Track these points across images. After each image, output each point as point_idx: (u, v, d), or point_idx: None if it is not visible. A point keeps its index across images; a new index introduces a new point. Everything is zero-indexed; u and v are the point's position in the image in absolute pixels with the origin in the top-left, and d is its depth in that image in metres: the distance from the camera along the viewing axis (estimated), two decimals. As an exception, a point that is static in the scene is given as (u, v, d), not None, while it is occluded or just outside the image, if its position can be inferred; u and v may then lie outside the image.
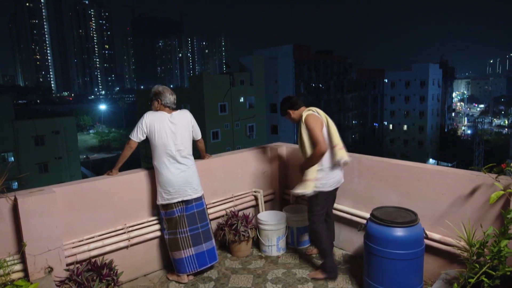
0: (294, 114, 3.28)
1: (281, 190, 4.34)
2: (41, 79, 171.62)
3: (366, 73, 51.11)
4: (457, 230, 2.65)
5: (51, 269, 2.76)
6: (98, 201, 3.10)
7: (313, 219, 3.21)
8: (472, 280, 2.07)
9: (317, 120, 3.10)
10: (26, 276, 2.69)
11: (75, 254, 2.94)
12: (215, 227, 3.80)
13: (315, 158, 3.04)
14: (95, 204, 3.09)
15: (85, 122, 79.84)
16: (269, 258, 3.70)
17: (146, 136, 3.16)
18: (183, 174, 3.18)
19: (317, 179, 3.10)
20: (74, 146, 33.69)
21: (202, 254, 3.31)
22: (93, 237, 3.07)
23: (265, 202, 4.19)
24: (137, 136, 3.14)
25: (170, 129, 3.14)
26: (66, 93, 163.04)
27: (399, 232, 2.71)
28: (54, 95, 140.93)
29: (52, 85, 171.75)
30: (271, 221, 3.74)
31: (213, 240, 3.42)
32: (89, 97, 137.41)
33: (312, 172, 3.09)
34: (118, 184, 3.23)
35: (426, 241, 2.85)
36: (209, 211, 3.72)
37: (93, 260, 2.92)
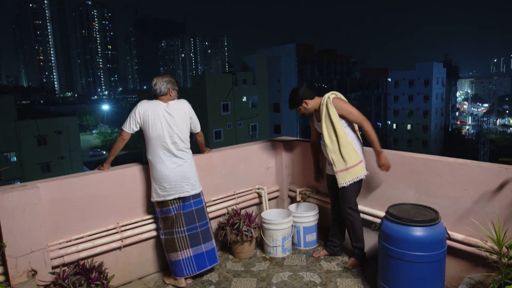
0: (310, 104, 3.12)
1: (287, 186, 4.07)
2: (44, 80, 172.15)
3: (369, 72, 50.77)
4: (484, 229, 2.38)
5: (34, 273, 2.51)
6: (88, 198, 2.85)
7: (356, 215, 3.10)
8: (510, 287, 1.80)
9: (345, 100, 3.09)
10: (7, 280, 2.45)
11: (62, 256, 2.70)
12: (216, 227, 3.55)
13: (373, 130, 2.92)
14: (84, 201, 2.84)
15: (88, 122, 79.99)
16: (273, 260, 3.44)
17: (140, 127, 2.91)
18: (180, 169, 2.92)
19: (361, 162, 3.00)
20: (77, 146, 33.60)
21: (201, 255, 3.05)
22: (82, 237, 2.82)
23: (269, 199, 3.93)
24: (129, 127, 2.89)
25: (166, 119, 2.89)
26: (69, 94, 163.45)
27: (418, 231, 2.44)
28: (57, 96, 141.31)
29: (56, 85, 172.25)
30: (276, 220, 3.48)
31: (213, 241, 3.16)
32: (92, 98, 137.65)
33: (355, 157, 3.00)
34: (110, 180, 2.97)
35: (448, 242, 2.58)
36: (209, 209, 3.47)
37: (81, 262, 2.67)
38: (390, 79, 52.78)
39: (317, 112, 3.17)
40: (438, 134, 51.37)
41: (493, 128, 75.39)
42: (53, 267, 2.62)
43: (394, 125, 52.87)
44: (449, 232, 2.61)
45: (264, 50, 40.66)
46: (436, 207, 2.65)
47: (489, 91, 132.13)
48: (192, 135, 3.19)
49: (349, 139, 3.01)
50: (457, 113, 74.82)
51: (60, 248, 2.70)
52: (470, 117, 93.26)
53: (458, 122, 78.41)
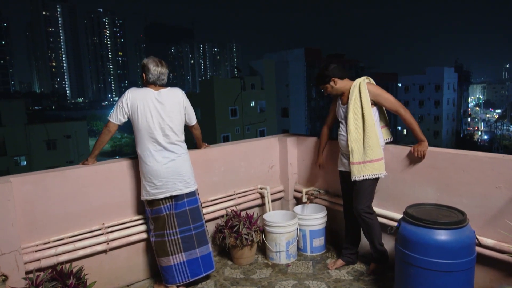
0: (338, 83, 2.78)
1: (292, 186, 3.75)
2: (56, 86, 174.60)
3: (378, 77, 50.25)
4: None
5: (5, 278, 2.24)
6: (69, 195, 2.58)
7: (371, 217, 2.75)
8: None
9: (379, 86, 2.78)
10: (-27, 286, 2.17)
11: (39, 259, 2.42)
12: (213, 229, 3.24)
13: (413, 117, 2.67)
14: (65, 199, 2.56)
15: (99, 127, 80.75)
16: (276, 267, 3.12)
17: (128, 118, 2.64)
18: (172, 164, 2.63)
19: (382, 160, 2.70)
20: (86, 150, 33.69)
21: (195, 261, 2.75)
22: (62, 239, 2.54)
23: (272, 200, 3.62)
24: (116, 117, 2.62)
25: (156, 109, 2.61)
26: (80, 99, 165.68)
27: (443, 235, 2.10)
28: (68, 101, 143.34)
29: (67, 91, 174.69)
30: (280, 223, 3.17)
31: (210, 245, 2.86)
32: (103, 103, 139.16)
33: (377, 152, 2.68)
34: (95, 175, 2.70)
35: (476, 248, 2.24)
36: (207, 210, 3.17)
37: (60, 267, 2.38)
38: (400, 84, 52.17)
39: (343, 95, 2.84)
40: (449, 140, 50.45)
41: (507, 134, 73.92)
42: (28, 272, 2.34)
43: (404, 130, 52.10)
44: (477, 236, 2.26)
45: (272, 54, 40.57)
46: (461, 208, 2.31)
47: (502, 96, 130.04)
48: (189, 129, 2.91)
49: (377, 130, 2.69)
50: (469, 119, 73.53)
51: (36, 251, 2.42)
52: (482, 123, 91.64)
53: (476, 128, 76.94)
